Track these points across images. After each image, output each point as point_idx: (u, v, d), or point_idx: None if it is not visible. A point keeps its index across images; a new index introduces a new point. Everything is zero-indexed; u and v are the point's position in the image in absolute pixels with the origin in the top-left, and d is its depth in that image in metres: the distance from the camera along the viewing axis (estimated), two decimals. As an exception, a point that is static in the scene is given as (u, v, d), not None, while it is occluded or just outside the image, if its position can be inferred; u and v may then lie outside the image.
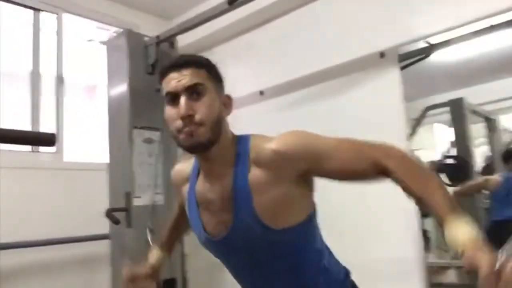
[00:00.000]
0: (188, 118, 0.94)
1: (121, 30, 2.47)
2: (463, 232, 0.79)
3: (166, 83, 0.99)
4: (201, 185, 1.06)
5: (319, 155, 0.95)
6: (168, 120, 0.98)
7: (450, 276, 5.30)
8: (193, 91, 0.96)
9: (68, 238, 2.42)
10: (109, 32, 3.22)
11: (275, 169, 0.95)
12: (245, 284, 1.13)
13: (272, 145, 0.96)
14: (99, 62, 3.19)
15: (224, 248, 1.06)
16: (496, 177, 3.47)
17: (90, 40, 3.75)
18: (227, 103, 1.04)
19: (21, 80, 2.59)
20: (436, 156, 5.66)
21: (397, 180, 0.91)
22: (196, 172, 1.09)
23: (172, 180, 1.23)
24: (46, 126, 2.57)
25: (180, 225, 1.29)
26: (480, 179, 3.73)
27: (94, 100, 3.71)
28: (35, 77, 2.56)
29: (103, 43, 2.52)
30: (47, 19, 2.65)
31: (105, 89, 2.40)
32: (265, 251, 1.02)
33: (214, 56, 3.25)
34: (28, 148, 2.46)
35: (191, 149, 0.98)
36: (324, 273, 1.08)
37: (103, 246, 2.39)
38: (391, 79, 2.28)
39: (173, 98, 0.97)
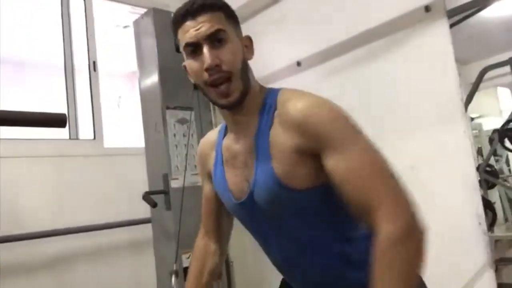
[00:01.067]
0: (215, 69, 0.87)
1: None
2: None
3: (183, 33, 0.90)
4: (227, 139, 1.02)
5: (336, 142, 0.83)
6: (193, 73, 0.92)
7: (520, 251, 4.95)
8: (215, 39, 0.88)
9: (112, 223, 2.44)
10: (141, 15, 3.20)
11: (295, 130, 0.86)
12: (274, 256, 1.03)
13: (301, 105, 0.86)
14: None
15: (248, 211, 0.97)
16: None
17: (125, 27, 3.75)
18: (248, 45, 0.97)
19: (57, 69, 2.61)
20: (501, 124, 5.23)
21: (373, 254, 0.76)
22: (223, 131, 1.05)
23: (198, 152, 1.16)
24: (83, 114, 2.59)
25: (207, 268, 1.17)
26: None
27: (135, 87, 3.73)
28: (68, 65, 2.58)
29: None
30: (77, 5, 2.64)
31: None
32: (286, 214, 0.92)
33: (247, 29, 3.14)
34: (66, 135, 2.49)
35: (228, 108, 0.94)
36: (361, 237, 0.92)
37: (148, 230, 2.39)
38: (439, 37, 2.04)
39: (194, 49, 0.89)
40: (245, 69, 0.92)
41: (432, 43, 2.06)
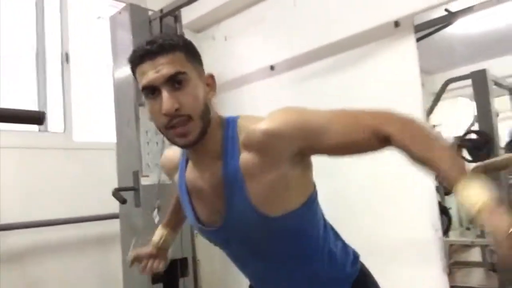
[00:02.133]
0: (174, 113, 0.85)
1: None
2: (476, 194, 0.72)
3: (141, 74, 0.87)
4: (191, 173, 0.99)
5: (314, 130, 0.85)
6: (152, 115, 0.89)
7: (474, 255, 5.21)
8: (175, 81, 0.85)
9: (79, 217, 2.43)
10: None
11: (267, 152, 0.86)
12: (247, 273, 1.09)
13: (261, 126, 0.85)
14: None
15: (221, 238, 1.01)
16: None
17: (99, 18, 3.70)
18: (210, 83, 0.94)
19: (29, 59, 2.56)
20: (460, 132, 5.49)
21: (400, 146, 0.82)
22: (185, 159, 1.02)
23: (162, 165, 1.19)
24: (54, 106, 2.55)
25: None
26: (505, 155, 3.53)
27: (104, 79, 3.69)
28: (40, 56, 2.54)
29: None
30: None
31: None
32: (263, 239, 0.96)
33: (222, 31, 3.16)
34: (35, 128, 2.45)
35: (185, 147, 0.94)
36: (330, 258, 1.02)
37: (115, 225, 2.39)
38: (406, 51, 2.15)
39: (153, 91, 0.86)
40: (206, 110, 0.89)
41: (399, 56, 2.17)
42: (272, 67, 2.70)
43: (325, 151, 0.89)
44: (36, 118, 1.14)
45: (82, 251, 2.49)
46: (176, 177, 1.07)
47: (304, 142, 0.86)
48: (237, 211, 0.91)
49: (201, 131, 0.88)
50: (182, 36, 0.94)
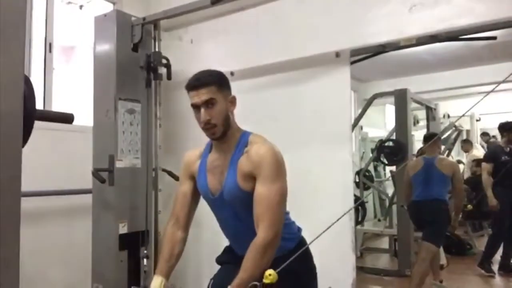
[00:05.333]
0: (207, 122, 1.48)
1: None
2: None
3: (191, 97, 1.51)
4: (212, 156, 1.59)
5: (263, 176, 1.45)
6: (197, 120, 1.53)
7: (383, 243, 6.04)
8: (208, 103, 1.48)
9: (53, 191, 2.73)
10: None
11: (253, 163, 1.47)
12: (230, 232, 1.62)
13: (261, 151, 1.48)
14: (76, 24, 3.36)
15: (218, 203, 1.56)
16: (416, 160, 3.81)
17: (68, 3, 3.88)
18: (233, 101, 1.58)
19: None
20: (384, 134, 6.28)
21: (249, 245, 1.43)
22: (208, 150, 1.62)
23: (184, 160, 1.70)
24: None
25: (175, 253, 1.65)
26: (406, 162, 4.17)
27: (71, 62, 3.89)
28: (26, 42, 2.75)
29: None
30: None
31: (84, 53, 2.60)
32: (242, 205, 1.50)
33: (189, 34, 3.51)
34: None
35: (214, 139, 1.56)
36: (284, 226, 1.53)
37: (85, 200, 2.72)
38: (342, 75, 2.69)
39: (197, 108, 1.50)
40: (227, 120, 1.53)
41: (337, 79, 2.71)
42: (232, 73, 3.12)
43: (253, 189, 1.48)
44: (68, 118, 1.51)
45: (53, 221, 2.80)
46: (197, 163, 1.64)
47: (255, 175, 1.48)
48: (229, 185, 1.51)
49: (223, 132, 1.52)
50: (217, 73, 1.53)
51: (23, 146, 1.51)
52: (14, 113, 1.00)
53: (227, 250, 1.71)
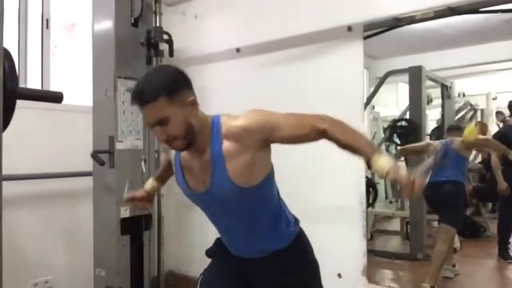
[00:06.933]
0: (166, 140, 1.22)
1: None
2: (385, 162, 1.15)
3: (142, 115, 1.25)
4: (186, 155, 1.35)
5: (273, 127, 1.24)
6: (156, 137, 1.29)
7: (394, 225, 5.93)
8: (161, 122, 1.19)
9: (54, 173, 2.65)
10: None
11: (242, 141, 1.23)
12: (220, 227, 1.45)
13: (238, 123, 1.24)
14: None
15: (204, 200, 1.37)
16: (436, 143, 3.74)
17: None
18: (193, 103, 1.25)
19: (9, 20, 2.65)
20: (398, 113, 6.09)
21: (332, 137, 1.23)
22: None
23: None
24: (33, 66, 2.68)
25: (169, 167, 1.55)
26: (423, 142, 4.07)
27: (73, 38, 3.76)
28: (22, 21, 2.64)
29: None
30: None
31: (84, 29, 2.49)
32: (235, 202, 1.32)
33: (193, 8, 3.35)
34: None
35: (180, 151, 1.33)
36: (281, 218, 1.40)
37: (86, 182, 2.63)
38: (355, 50, 2.54)
39: (151, 126, 1.22)
40: (189, 128, 1.23)
41: (349, 55, 2.55)
42: (238, 50, 2.98)
43: (281, 141, 1.28)
44: (57, 97, 1.39)
45: (54, 203, 2.73)
46: (173, 155, 1.43)
47: (266, 135, 1.25)
48: (217, 181, 1.27)
49: (187, 143, 1.25)
50: (161, 80, 1.20)
51: (5, 128, 1.42)
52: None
53: (217, 243, 1.54)
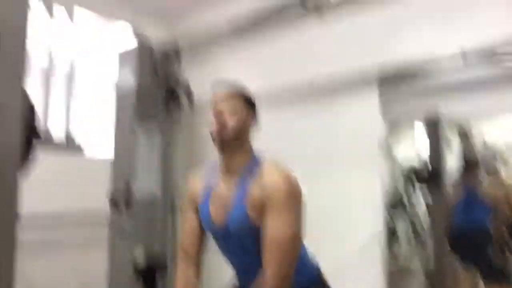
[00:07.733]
0: (222, 122, 1.34)
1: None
2: None
3: (215, 101, 1.37)
4: (218, 186, 1.40)
5: (275, 209, 1.26)
6: (211, 126, 1.37)
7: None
8: (230, 110, 1.35)
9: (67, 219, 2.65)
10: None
11: (264, 190, 1.28)
12: (234, 263, 1.46)
13: (274, 177, 1.29)
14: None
15: (221, 234, 1.39)
16: (456, 189, 3.58)
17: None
18: (254, 119, 1.41)
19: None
20: (415, 154, 5.91)
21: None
22: (211, 175, 1.45)
23: (189, 188, 1.54)
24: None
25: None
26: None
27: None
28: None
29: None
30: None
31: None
32: (250, 240, 1.34)
33: (213, 57, 3.30)
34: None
35: (219, 143, 1.36)
36: (302, 263, 1.38)
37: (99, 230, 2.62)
38: (370, 100, 2.65)
39: (219, 113, 1.35)
40: (242, 132, 1.36)
41: (365, 102, 2.62)
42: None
43: (260, 224, 1.29)
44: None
45: (68, 252, 2.71)
46: (200, 193, 1.46)
47: (267, 205, 1.28)
48: (237, 216, 1.31)
49: (232, 137, 1.34)
50: (246, 90, 1.43)
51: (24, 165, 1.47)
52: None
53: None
